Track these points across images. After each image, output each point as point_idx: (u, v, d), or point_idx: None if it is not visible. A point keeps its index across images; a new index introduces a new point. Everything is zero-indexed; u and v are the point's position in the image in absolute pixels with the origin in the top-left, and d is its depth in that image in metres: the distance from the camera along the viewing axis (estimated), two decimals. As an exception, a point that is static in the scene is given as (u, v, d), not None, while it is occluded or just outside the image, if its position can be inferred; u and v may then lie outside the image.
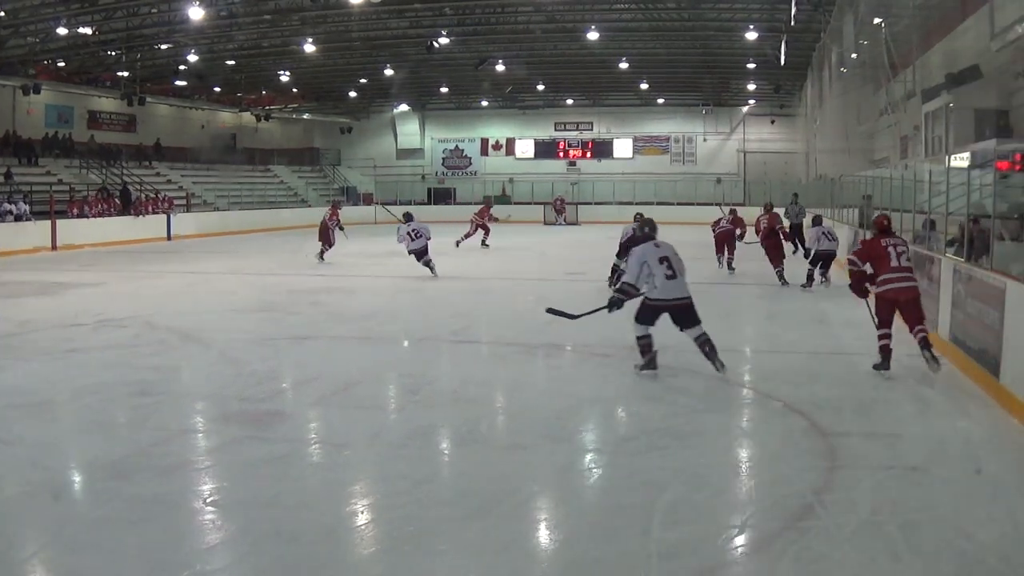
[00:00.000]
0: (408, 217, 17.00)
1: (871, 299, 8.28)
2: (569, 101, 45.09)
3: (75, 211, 26.59)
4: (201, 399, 7.46)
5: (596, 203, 42.03)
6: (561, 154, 46.49)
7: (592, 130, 46.20)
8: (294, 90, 41.63)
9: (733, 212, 18.81)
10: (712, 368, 7.98)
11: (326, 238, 20.39)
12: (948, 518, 4.79)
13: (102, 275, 17.43)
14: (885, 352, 7.97)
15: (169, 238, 28.38)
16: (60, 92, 34.02)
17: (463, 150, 47.88)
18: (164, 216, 28.92)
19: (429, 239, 16.57)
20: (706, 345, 8.01)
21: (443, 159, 48.11)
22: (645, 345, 8.12)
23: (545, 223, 39.00)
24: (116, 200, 28.91)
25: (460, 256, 21.81)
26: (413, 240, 16.47)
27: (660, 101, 43.76)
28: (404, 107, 46.47)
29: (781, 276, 15.45)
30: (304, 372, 8.39)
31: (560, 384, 8.02)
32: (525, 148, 46.96)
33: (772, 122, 42.72)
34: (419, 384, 7.92)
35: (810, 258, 14.94)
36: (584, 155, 46.22)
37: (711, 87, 40.47)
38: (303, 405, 7.26)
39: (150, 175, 34.46)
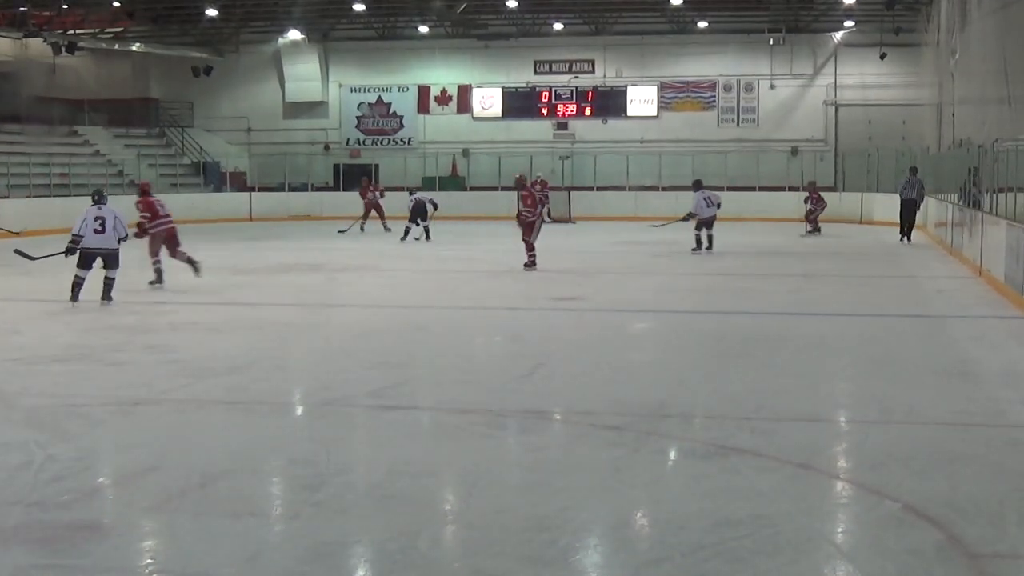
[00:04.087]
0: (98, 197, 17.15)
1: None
2: (558, 27, 45.32)
3: None
4: (-36, 504, 7.32)
5: (599, 188, 42.20)
6: (545, 111, 46.76)
7: (594, 73, 46.48)
8: (116, 4, 41.40)
9: (812, 185, 33.90)
10: (783, 450, 8.19)
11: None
12: None
13: None
14: None
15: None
16: None
17: (389, 105, 47.99)
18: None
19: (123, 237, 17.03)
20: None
21: (358, 119, 48.18)
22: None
23: (520, 219, 39.01)
24: None
25: (388, 273, 21.74)
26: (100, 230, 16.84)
27: (702, 26, 44.09)
28: (295, 35, 46.52)
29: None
30: (136, 458, 8.26)
31: (546, 474, 7.95)
32: (488, 102, 47.18)
33: (882, 56, 42.90)
34: (321, 476, 7.82)
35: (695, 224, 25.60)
36: (581, 112, 46.46)
37: (784, 3, 40.81)
38: (133, 512, 7.14)
39: None
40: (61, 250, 16.62)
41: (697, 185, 26.55)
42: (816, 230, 32.59)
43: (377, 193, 35.15)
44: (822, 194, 33.94)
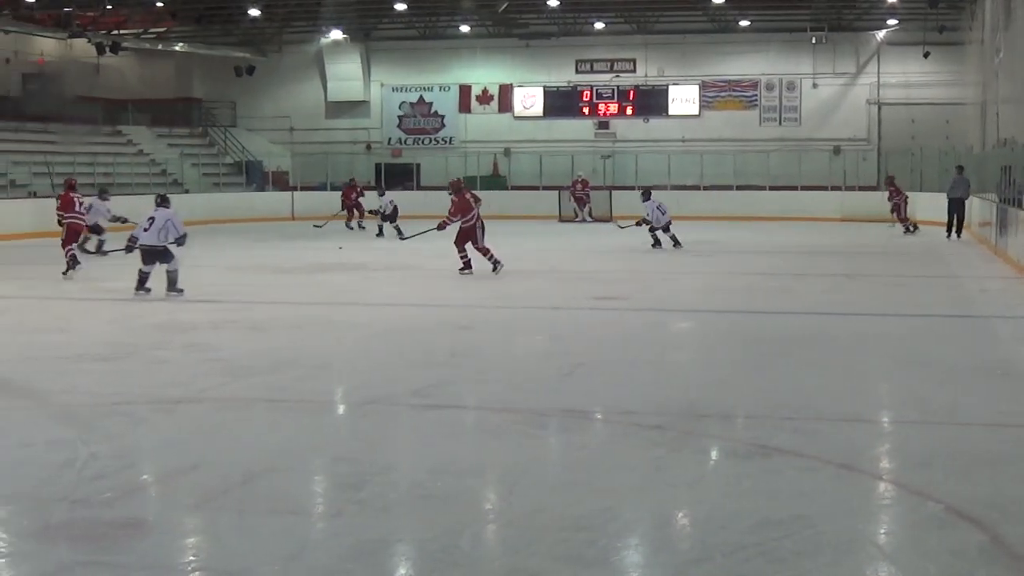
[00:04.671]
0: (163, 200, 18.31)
1: None
2: (599, 26, 45.28)
3: None
4: (1, 502, 7.37)
5: (641, 188, 42.02)
6: (586, 110, 46.74)
7: (635, 72, 46.41)
8: (159, 4, 41.57)
9: (890, 179, 33.93)
10: (825, 450, 8.19)
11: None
12: None
13: None
14: None
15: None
16: None
17: (431, 104, 48.05)
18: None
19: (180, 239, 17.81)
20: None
21: (400, 118, 48.26)
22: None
23: (561, 219, 39.01)
24: None
25: (429, 272, 21.77)
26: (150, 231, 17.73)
27: (744, 24, 43.95)
28: (337, 35, 46.65)
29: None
30: (176, 457, 8.30)
31: (586, 473, 7.95)
32: (530, 101, 47.19)
33: (925, 55, 42.62)
34: (364, 475, 7.82)
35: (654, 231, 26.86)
36: (623, 111, 46.41)
37: (826, 1, 40.56)
38: (175, 510, 7.17)
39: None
40: (121, 248, 18.27)
41: (647, 195, 27.57)
42: (909, 229, 32.21)
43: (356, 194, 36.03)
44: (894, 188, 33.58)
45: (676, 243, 26.54)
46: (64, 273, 20.11)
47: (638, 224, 27.48)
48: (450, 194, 21.65)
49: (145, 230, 17.38)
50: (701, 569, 6.05)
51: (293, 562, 6.16)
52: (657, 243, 26.80)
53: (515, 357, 12.77)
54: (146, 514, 7.10)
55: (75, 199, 21.59)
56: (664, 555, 6.44)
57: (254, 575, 5.99)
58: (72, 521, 6.80)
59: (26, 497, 7.36)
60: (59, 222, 21.50)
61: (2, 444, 8.71)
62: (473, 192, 22.14)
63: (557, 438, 9.20)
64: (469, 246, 20.54)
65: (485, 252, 20.60)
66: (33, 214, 32.22)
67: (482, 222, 20.85)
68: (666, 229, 26.76)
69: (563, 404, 9.99)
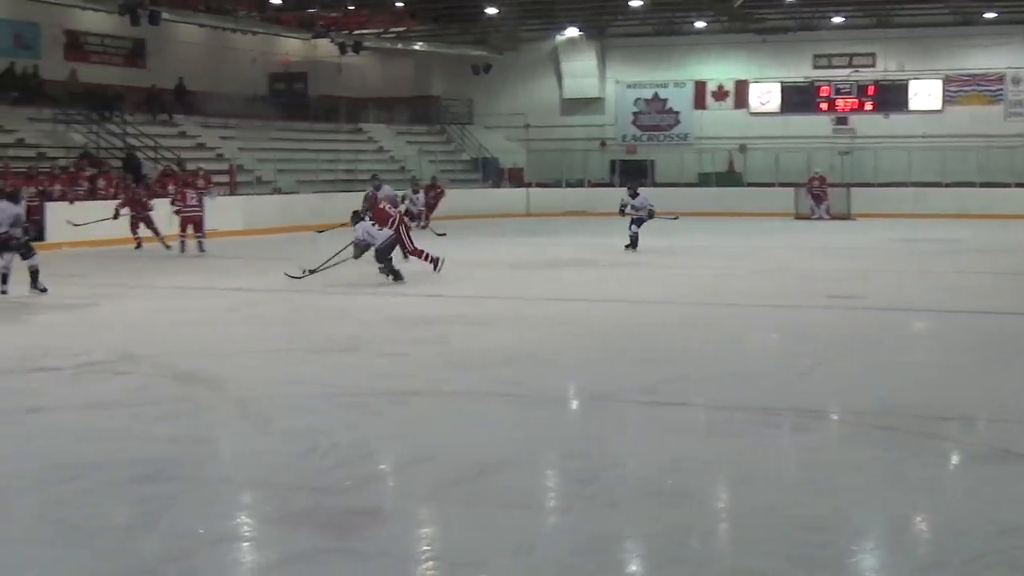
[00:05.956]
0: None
1: None
2: (837, 20, 44.56)
3: (55, 190, 27.60)
4: (247, 488, 7.60)
5: (880, 185, 41.25)
6: (824, 106, 45.92)
7: (875, 66, 45.47)
8: (399, 5, 42.37)
9: None
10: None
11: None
12: None
13: (90, 291, 18.13)
14: None
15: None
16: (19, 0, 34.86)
17: (666, 100, 47.87)
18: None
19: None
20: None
21: (635, 115, 48.21)
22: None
23: (797, 216, 38.56)
24: (118, 174, 29.95)
25: (660, 269, 21.75)
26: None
27: (989, 16, 42.65)
28: (573, 32, 46.89)
29: None
30: (411, 448, 8.47)
31: (819, 474, 7.87)
32: (766, 97, 46.62)
33: None
34: (593, 470, 7.89)
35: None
36: (861, 107, 45.52)
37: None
38: (410, 500, 7.32)
39: (168, 135, 35.58)
40: (331, 260, 19.11)
41: (636, 192, 26.08)
42: None
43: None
44: None
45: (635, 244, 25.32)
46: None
47: (649, 216, 25.63)
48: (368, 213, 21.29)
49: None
50: (942, 573, 5.94)
51: (524, 556, 6.24)
52: (634, 245, 25.17)
53: (747, 355, 12.70)
54: (383, 503, 7.28)
55: (186, 193, 25.35)
56: (899, 559, 6.32)
57: (486, 568, 6.08)
58: (313, 508, 7.00)
59: (269, 484, 7.61)
60: (178, 210, 25.27)
61: (244, 433, 9.06)
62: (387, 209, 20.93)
63: (790, 437, 9.13)
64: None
65: (418, 253, 20.17)
66: (278, 210, 33.24)
67: (400, 232, 19.98)
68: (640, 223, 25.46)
69: (796, 403, 9.90)
